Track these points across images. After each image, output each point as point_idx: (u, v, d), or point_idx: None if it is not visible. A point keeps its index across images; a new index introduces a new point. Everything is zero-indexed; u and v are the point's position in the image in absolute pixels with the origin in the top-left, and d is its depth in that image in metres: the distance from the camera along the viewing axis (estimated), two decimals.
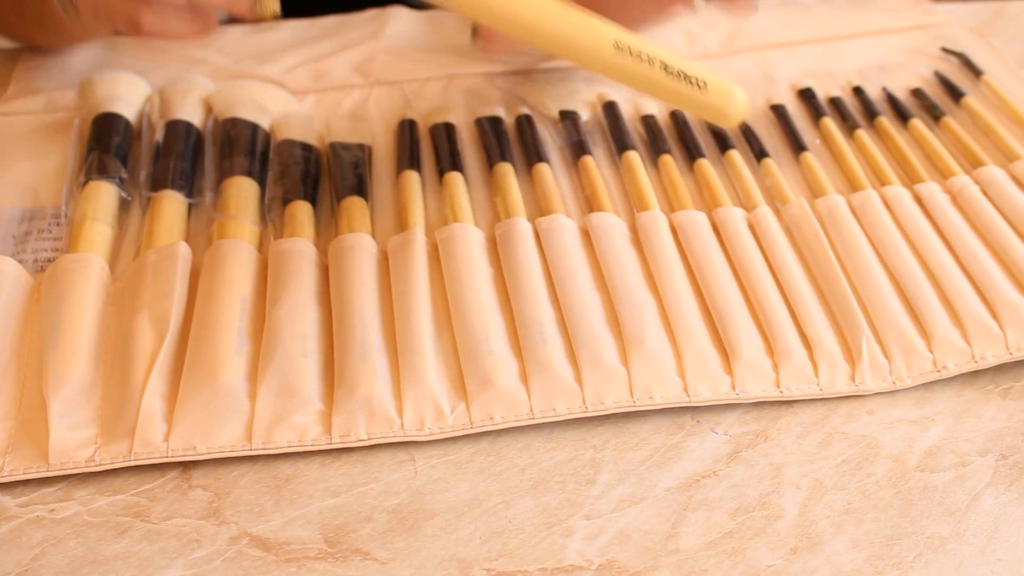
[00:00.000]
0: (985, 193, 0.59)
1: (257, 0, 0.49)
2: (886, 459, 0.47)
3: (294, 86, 0.68)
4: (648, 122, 0.65)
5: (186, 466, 0.46)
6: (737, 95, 0.44)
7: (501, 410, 0.47)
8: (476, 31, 0.50)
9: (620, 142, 0.63)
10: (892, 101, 0.68)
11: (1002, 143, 0.63)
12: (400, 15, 0.76)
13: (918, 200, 0.59)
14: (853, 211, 0.58)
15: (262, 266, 0.53)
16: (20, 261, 0.53)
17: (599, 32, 0.44)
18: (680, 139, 0.64)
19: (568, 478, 0.46)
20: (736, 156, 0.62)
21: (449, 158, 0.61)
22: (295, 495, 0.45)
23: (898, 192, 0.59)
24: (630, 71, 0.44)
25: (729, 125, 0.44)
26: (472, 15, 0.46)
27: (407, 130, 0.64)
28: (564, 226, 0.55)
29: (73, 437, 0.46)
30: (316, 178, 0.59)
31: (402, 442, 0.47)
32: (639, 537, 0.43)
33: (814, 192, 0.60)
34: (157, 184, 0.57)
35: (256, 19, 0.50)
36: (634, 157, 0.61)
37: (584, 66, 0.45)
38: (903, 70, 0.72)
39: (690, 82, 0.43)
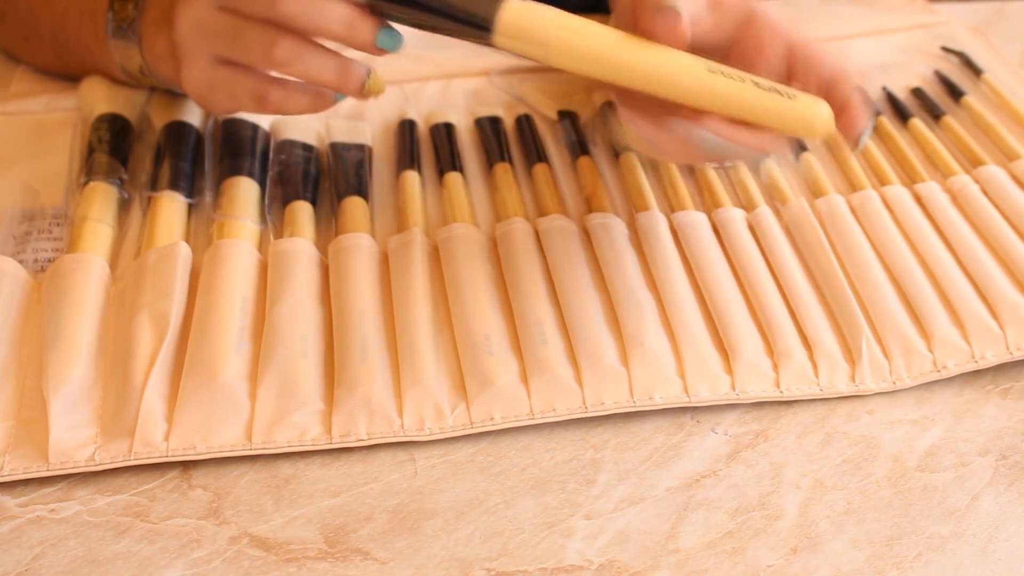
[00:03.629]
0: (985, 192, 0.59)
1: (366, 81, 0.51)
2: (886, 459, 0.47)
3: None
4: None
5: (186, 466, 0.46)
6: (823, 107, 0.45)
7: (501, 410, 0.47)
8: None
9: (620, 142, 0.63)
10: (892, 100, 0.68)
11: (1002, 142, 0.63)
12: None
13: (918, 200, 0.59)
14: (853, 211, 0.58)
15: (262, 266, 0.53)
16: (20, 261, 0.53)
17: (689, 59, 0.46)
18: None
19: (568, 478, 0.46)
20: None
21: (449, 158, 0.61)
22: (295, 495, 0.45)
23: (898, 192, 0.59)
24: (724, 90, 0.45)
25: (817, 135, 0.45)
26: (570, 66, 0.47)
27: (407, 130, 0.64)
28: (564, 226, 0.55)
29: (73, 437, 0.46)
30: (316, 178, 0.59)
31: (402, 442, 0.47)
32: (639, 537, 0.43)
33: (814, 192, 0.60)
34: (157, 184, 0.57)
35: (365, 97, 0.52)
36: (634, 157, 0.61)
37: (676, 94, 0.46)
38: (903, 69, 0.72)
39: (781, 94, 0.45)
